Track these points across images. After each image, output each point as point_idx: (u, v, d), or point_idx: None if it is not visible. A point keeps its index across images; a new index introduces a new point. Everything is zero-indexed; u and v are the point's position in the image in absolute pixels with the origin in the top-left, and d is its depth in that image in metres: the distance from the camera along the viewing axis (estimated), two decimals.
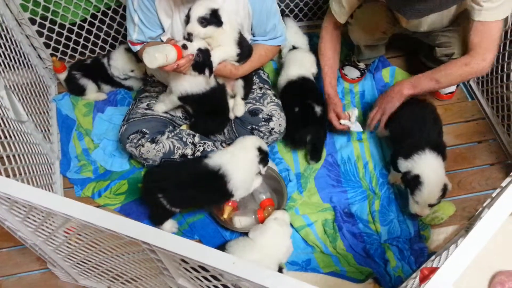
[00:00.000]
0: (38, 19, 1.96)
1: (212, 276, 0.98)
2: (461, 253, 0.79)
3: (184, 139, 1.79)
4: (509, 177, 1.17)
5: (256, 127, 1.80)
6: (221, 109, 1.82)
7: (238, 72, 1.74)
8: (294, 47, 2.07)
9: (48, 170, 1.85)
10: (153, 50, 1.44)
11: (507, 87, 1.87)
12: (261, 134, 1.81)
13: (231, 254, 0.90)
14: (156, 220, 1.69)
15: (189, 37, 1.56)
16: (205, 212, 1.79)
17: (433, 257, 1.57)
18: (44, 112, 2.02)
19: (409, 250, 1.67)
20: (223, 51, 1.65)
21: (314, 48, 2.04)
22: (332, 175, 1.88)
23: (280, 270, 1.49)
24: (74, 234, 1.11)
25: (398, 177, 1.80)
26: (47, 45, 2.09)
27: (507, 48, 1.82)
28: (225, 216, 1.73)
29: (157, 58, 1.44)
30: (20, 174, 1.60)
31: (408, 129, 1.72)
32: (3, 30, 1.78)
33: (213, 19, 1.56)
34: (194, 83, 1.65)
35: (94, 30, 2.12)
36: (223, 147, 1.84)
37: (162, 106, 1.80)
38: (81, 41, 2.14)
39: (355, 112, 1.80)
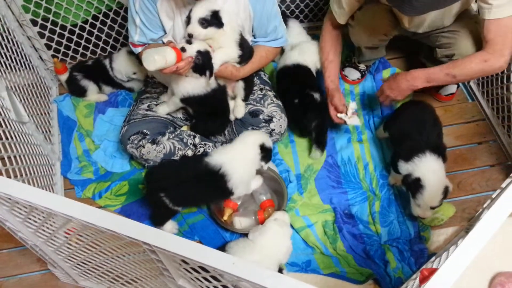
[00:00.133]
0: (39, 21, 1.97)
1: (212, 276, 0.98)
2: (460, 254, 0.80)
3: (184, 140, 1.79)
4: (509, 178, 1.17)
5: (257, 128, 1.81)
6: (222, 110, 1.83)
7: (239, 73, 1.74)
8: None
9: (49, 171, 1.85)
10: (152, 52, 1.45)
11: (507, 88, 1.87)
12: None
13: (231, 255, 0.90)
14: (158, 220, 1.69)
15: (189, 38, 1.57)
16: (206, 213, 1.79)
17: (433, 258, 1.57)
18: (45, 113, 2.02)
19: (409, 251, 1.67)
20: (225, 53, 1.65)
21: None
22: (333, 176, 1.88)
23: (280, 271, 1.49)
24: (75, 235, 1.11)
25: (398, 178, 1.80)
26: (49, 47, 2.10)
27: None
28: (226, 217, 1.73)
29: (156, 60, 1.44)
30: (21, 175, 1.61)
31: (408, 131, 1.72)
32: (4, 32, 1.79)
33: (214, 20, 1.56)
34: (196, 85, 1.66)
35: (95, 31, 2.13)
36: None
37: (165, 108, 1.81)
38: (82, 42, 2.15)
39: (352, 106, 1.78)
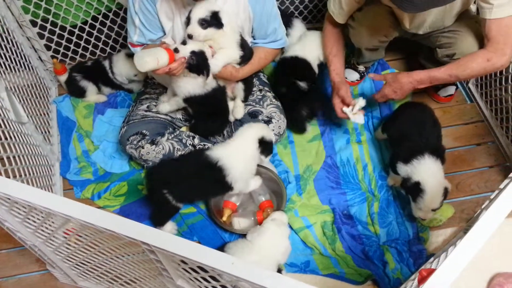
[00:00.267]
0: (39, 21, 1.97)
1: (211, 277, 0.98)
2: (458, 255, 0.80)
3: (184, 140, 1.79)
4: (507, 179, 1.17)
5: None
6: (221, 111, 1.83)
7: (239, 74, 1.75)
8: None
9: (48, 171, 1.85)
10: (143, 54, 1.45)
11: (506, 89, 1.87)
12: None
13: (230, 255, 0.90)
14: (159, 220, 1.69)
15: (189, 38, 1.57)
16: (205, 213, 1.79)
17: (431, 259, 1.57)
18: (44, 114, 2.02)
19: (408, 252, 1.67)
20: (226, 54, 1.66)
21: None
22: (331, 177, 1.88)
23: (279, 271, 1.49)
24: (74, 235, 1.11)
25: (397, 179, 1.80)
26: (48, 47, 2.10)
27: None
28: (225, 218, 1.73)
29: (147, 62, 1.44)
30: (20, 175, 1.61)
31: (407, 133, 1.71)
32: (4, 32, 1.79)
33: (214, 21, 1.56)
34: (195, 85, 1.66)
35: (95, 32, 2.14)
36: None
37: (167, 106, 1.80)
38: (82, 43, 2.15)
39: (359, 102, 1.75)
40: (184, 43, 1.56)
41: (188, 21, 1.57)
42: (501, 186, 1.19)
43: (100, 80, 2.12)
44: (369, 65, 2.16)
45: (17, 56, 1.88)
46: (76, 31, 2.09)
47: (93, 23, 2.10)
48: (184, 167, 1.59)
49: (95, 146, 2.01)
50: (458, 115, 2.09)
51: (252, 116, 1.83)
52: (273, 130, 1.80)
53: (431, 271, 0.83)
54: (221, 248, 1.50)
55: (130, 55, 1.99)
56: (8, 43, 1.81)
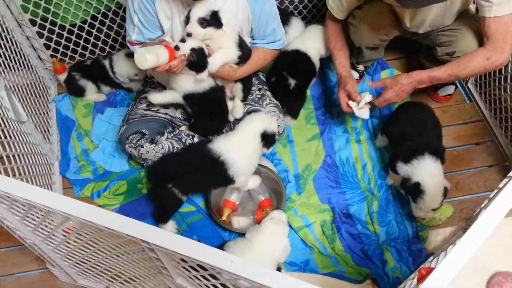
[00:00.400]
0: (38, 20, 1.97)
1: (210, 275, 0.99)
2: (457, 253, 0.80)
3: (183, 139, 1.79)
4: (506, 178, 1.18)
5: None
6: (220, 110, 1.83)
7: (236, 74, 1.74)
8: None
9: (48, 170, 1.85)
10: (143, 51, 1.45)
11: (505, 89, 1.87)
12: None
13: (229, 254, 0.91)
14: (162, 217, 1.70)
15: (188, 36, 1.57)
16: (204, 212, 1.80)
17: (431, 258, 1.57)
18: (44, 113, 2.03)
19: (407, 251, 1.67)
20: (224, 53, 1.65)
21: None
22: (331, 176, 1.89)
23: (278, 270, 1.49)
24: (73, 233, 1.11)
25: (396, 178, 1.81)
26: (47, 46, 2.10)
27: None
28: (224, 217, 1.74)
29: (147, 59, 1.45)
30: (20, 174, 1.61)
31: (408, 132, 1.71)
32: (3, 31, 1.79)
33: (213, 20, 1.56)
34: (194, 82, 1.66)
35: (94, 31, 2.14)
36: None
37: (158, 97, 1.73)
38: (81, 42, 2.15)
39: (366, 97, 1.73)
40: (183, 40, 1.56)
41: (187, 20, 1.57)
42: (500, 185, 1.19)
43: (99, 79, 2.12)
44: (369, 64, 2.16)
45: (17, 55, 1.88)
46: (76, 30, 2.09)
47: (93, 22, 2.10)
48: (186, 159, 1.60)
49: (94, 145, 2.02)
50: (457, 114, 2.09)
51: None
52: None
53: (430, 270, 0.83)
54: (221, 247, 1.50)
55: (130, 55, 1.99)
56: (8, 42, 1.81)
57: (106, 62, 2.09)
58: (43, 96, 2.07)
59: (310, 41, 1.98)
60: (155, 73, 1.87)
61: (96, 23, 2.11)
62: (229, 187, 1.80)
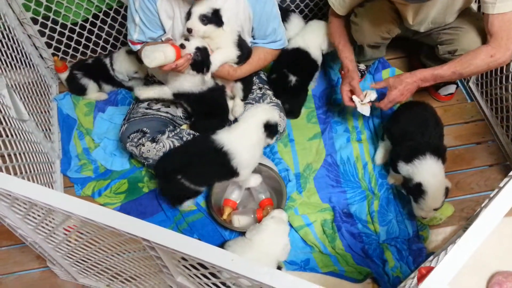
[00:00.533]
0: (40, 19, 1.98)
1: (211, 273, 0.99)
2: (457, 253, 0.80)
3: (184, 138, 1.79)
4: (507, 177, 1.18)
5: None
6: (221, 110, 1.83)
7: (236, 73, 1.74)
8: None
9: (49, 169, 1.86)
10: (152, 49, 1.46)
11: (506, 88, 1.87)
12: None
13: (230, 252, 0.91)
14: (177, 201, 1.72)
15: (188, 33, 1.57)
16: (205, 211, 1.80)
17: (431, 258, 1.57)
18: (45, 111, 2.03)
19: (408, 251, 1.67)
20: (223, 53, 1.66)
21: None
22: (332, 175, 1.89)
23: (279, 269, 1.49)
24: (74, 232, 1.12)
25: (397, 177, 1.80)
26: (49, 45, 2.10)
27: None
28: (225, 216, 1.74)
29: (156, 57, 1.45)
30: (21, 172, 1.61)
31: (410, 132, 1.71)
32: (5, 30, 1.80)
33: (214, 18, 1.57)
34: (193, 83, 1.66)
35: (95, 30, 2.14)
36: None
37: (150, 92, 1.74)
38: (83, 41, 2.16)
39: (371, 95, 1.74)
40: (187, 39, 1.57)
41: (188, 16, 1.58)
42: (501, 185, 1.19)
43: (101, 77, 2.12)
44: (370, 63, 2.15)
45: (18, 53, 1.88)
46: (77, 28, 2.09)
47: (94, 21, 2.10)
48: (191, 150, 1.62)
49: (95, 144, 2.02)
50: (459, 113, 2.09)
51: None
52: None
53: (430, 269, 0.83)
54: (221, 246, 1.50)
55: (131, 52, 1.99)
56: (9, 41, 1.81)
57: (107, 61, 2.09)
58: (44, 94, 2.07)
59: (310, 37, 1.98)
60: (157, 72, 1.87)
61: (98, 22, 2.11)
62: (230, 186, 1.80)
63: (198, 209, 1.80)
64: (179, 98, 1.74)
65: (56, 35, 2.06)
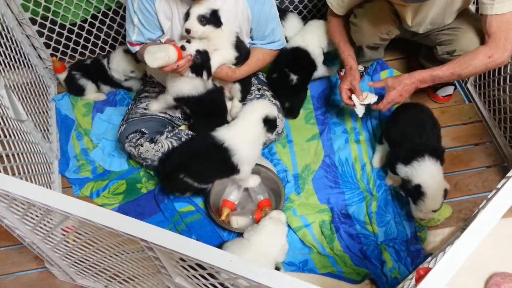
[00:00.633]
0: (38, 19, 1.98)
1: (209, 274, 0.99)
2: (455, 253, 0.80)
3: (183, 139, 1.79)
4: (504, 178, 1.18)
5: None
6: (219, 111, 1.83)
7: (235, 75, 1.74)
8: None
9: (47, 169, 1.85)
10: (154, 49, 1.46)
11: (504, 90, 1.88)
12: None
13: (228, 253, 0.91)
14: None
15: (187, 33, 1.56)
16: (203, 212, 1.80)
17: (429, 258, 1.58)
18: (43, 112, 2.03)
19: (406, 252, 1.67)
20: (221, 55, 1.66)
21: None
22: (330, 176, 1.89)
23: (277, 270, 1.49)
24: (72, 232, 1.12)
25: (395, 179, 1.81)
26: (47, 45, 2.10)
27: None
28: (223, 217, 1.74)
29: (158, 58, 1.45)
30: (19, 173, 1.61)
31: (407, 134, 1.71)
32: (4, 30, 1.79)
33: (212, 18, 1.57)
34: (192, 86, 1.66)
35: (94, 30, 2.14)
36: None
37: (157, 105, 1.80)
38: (81, 41, 2.16)
39: (372, 98, 1.75)
40: (188, 41, 1.57)
41: (186, 17, 1.58)
42: (498, 186, 1.19)
43: (99, 78, 2.12)
44: (369, 65, 2.16)
45: (17, 54, 1.88)
46: (76, 29, 2.09)
47: (93, 21, 2.10)
48: (192, 147, 1.63)
49: (94, 144, 2.02)
50: (457, 115, 2.09)
51: None
52: None
53: (428, 270, 0.83)
54: (219, 247, 1.50)
55: (128, 52, 1.99)
56: (8, 41, 1.81)
57: (105, 61, 2.09)
58: (42, 95, 2.07)
59: (310, 36, 2.00)
60: (156, 73, 1.87)
61: (97, 22, 2.11)
62: (228, 187, 1.80)
63: (197, 210, 1.80)
64: (180, 102, 1.74)
65: (54, 36, 2.06)
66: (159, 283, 1.31)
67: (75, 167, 1.95)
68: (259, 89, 1.93)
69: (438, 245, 1.72)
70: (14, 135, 1.63)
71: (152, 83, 1.97)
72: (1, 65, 1.73)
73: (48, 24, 2.00)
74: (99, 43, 2.20)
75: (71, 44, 2.15)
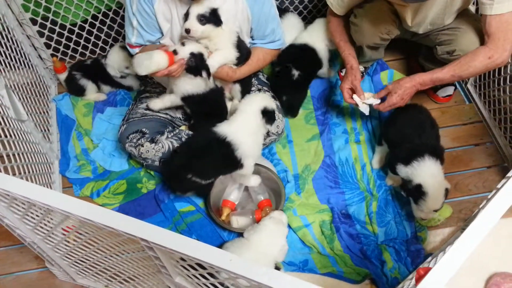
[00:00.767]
0: (39, 20, 1.98)
1: (209, 274, 0.99)
2: (454, 253, 0.80)
3: (183, 139, 1.79)
4: (504, 178, 1.18)
5: None
6: (220, 111, 1.83)
7: (235, 75, 1.75)
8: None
9: (47, 169, 1.86)
10: (142, 57, 1.45)
11: (504, 90, 1.88)
12: None
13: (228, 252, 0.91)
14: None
15: (187, 33, 1.56)
16: (204, 212, 1.80)
17: (429, 258, 1.58)
18: (44, 112, 2.03)
19: (406, 252, 1.67)
20: (222, 55, 1.66)
21: None
22: (330, 176, 1.89)
23: (277, 270, 1.49)
24: (73, 232, 1.12)
25: (395, 179, 1.81)
26: (48, 46, 2.10)
27: None
28: (224, 217, 1.74)
29: (146, 65, 1.44)
30: (20, 173, 1.61)
31: (406, 134, 1.71)
32: (4, 30, 1.80)
33: (212, 17, 1.57)
34: (194, 85, 1.66)
35: (94, 31, 2.14)
36: None
37: (159, 103, 1.78)
38: (82, 41, 2.16)
39: (374, 101, 1.76)
40: (183, 44, 1.57)
41: (186, 17, 1.58)
42: (498, 186, 1.19)
43: (99, 78, 2.12)
44: (369, 65, 2.16)
45: (17, 54, 1.88)
46: (76, 29, 2.09)
47: (93, 21, 2.10)
48: (195, 145, 1.63)
49: (94, 145, 2.02)
50: (457, 115, 2.09)
51: None
52: (272, 129, 1.81)
53: (428, 270, 0.83)
54: (219, 247, 1.50)
55: (124, 48, 1.98)
56: (8, 41, 1.81)
57: (105, 61, 2.09)
58: (43, 95, 2.07)
59: (318, 34, 2.02)
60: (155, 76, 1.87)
61: (97, 23, 2.12)
62: (228, 186, 1.80)
63: (197, 210, 1.80)
64: (187, 101, 1.73)
65: (55, 36, 2.07)
66: (159, 283, 1.31)
67: (75, 167, 1.95)
68: (259, 90, 1.93)
69: (438, 245, 1.72)
70: (14, 135, 1.63)
71: (153, 83, 1.97)
72: (2, 65, 1.73)
73: (48, 24, 2.00)
74: (100, 43, 2.20)
75: (72, 45, 2.15)
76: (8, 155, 1.56)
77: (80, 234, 1.11)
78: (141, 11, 1.61)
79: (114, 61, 2.05)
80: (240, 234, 1.68)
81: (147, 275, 1.29)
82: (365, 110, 1.77)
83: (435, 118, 1.81)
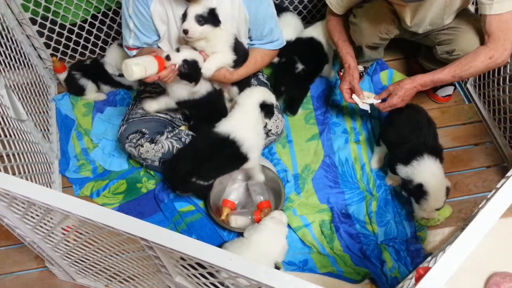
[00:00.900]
0: (38, 19, 1.98)
1: (209, 273, 0.99)
2: (454, 252, 0.80)
3: (183, 139, 1.80)
4: (504, 178, 1.18)
5: None
6: (219, 112, 1.83)
7: (233, 77, 1.74)
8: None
9: (47, 169, 1.86)
10: (130, 63, 1.43)
11: (504, 90, 1.88)
12: None
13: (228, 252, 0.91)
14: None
15: (184, 33, 1.56)
16: (203, 212, 1.80)
17: (429, 258, 1.58)
18: (43, 112, 2.03)
19: (406, 251, 1.67)
20: (219, 58, 1.65)
21: None
22: (330, 176, 1.89)
23: (277, 269, 1.49)
24: (73, 231, 1.12)
25: (395, 179, 1.81)
26: (48, 45, 2.10)
27: None
28: (223, 217, 1.74)
29: (134, 71, 1.42)
30: (20, 172, 1.61)
31: (405, 134, 1.71)
32: (4, 30, 1.80)
33: (211, 17, 1.56)
34: (190, 90, 1.66)
35: (94, 31, 2.14)
36: None
37: (154, 105, 1.76)
38: (81, 41, 2.16)
39: (373, 100, 1.77)
40: (178, 50, 1.56)
41: (184, 18, 1.57)
42: (498, 186, 1.19)
43: (99, 78, 2.12)
44: (368, 65, 2.16)
45: (17, 54, 1.88)
46: (76, 29, 2.09)
47: (93, 21, 2.10)
48: (198, 148, 1.63)
49: (94, 144, 2.02)
50: (456, 115, 2.09)
51: None
52: (271, 129, 1.81)
53: (428, 270, 0.83)
54: (219, 247, 1.50)
55: (122, 46, 1.97)
56: (8, 41, 1.81)
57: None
58: (43, 95, 2.07)
59: (324, 28, 2.02)
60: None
61: (97, 23, 2.12)
62: (228, 186, 1.81)
63: (197, 210, 1.80)
64: (181, 106, 1.74)
65: (55, 36, 2.07)
66: (159, 282, 1.31)
67: (75, 167, 1.95)
68: None
69: (438, 245, 1.72)
70: (14, 134, 1.63)
71: (153, 83, 1.97)
72: (1, 65, 1.74)
73: (48, 24, 2.01)
74: (99, 43, 2.21)
75: (71, 44, 2.15)
76: (8, 155, 1.56)
77: (80, 233, 1.11)
78: (137, 13, 1.60)
79: (112, 59, 2.05)
80: (240, 234, 1.68)
81: (147, 275, 1.29)
82: (366, 108, 1.79)
83: (435, 118, 1.81)
